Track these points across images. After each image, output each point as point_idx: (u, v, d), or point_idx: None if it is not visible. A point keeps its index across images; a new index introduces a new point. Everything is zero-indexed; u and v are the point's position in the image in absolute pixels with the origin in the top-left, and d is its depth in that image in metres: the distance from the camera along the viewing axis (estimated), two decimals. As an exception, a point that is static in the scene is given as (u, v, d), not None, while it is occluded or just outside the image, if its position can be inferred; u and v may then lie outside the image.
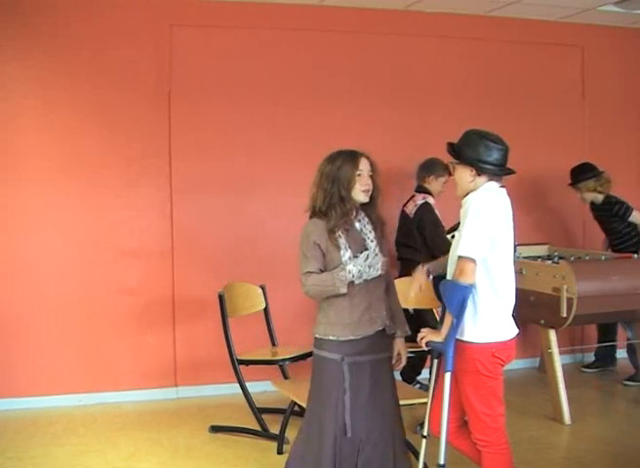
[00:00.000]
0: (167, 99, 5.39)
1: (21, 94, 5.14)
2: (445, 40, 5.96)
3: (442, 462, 3.03)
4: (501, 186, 3.11)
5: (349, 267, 3.12)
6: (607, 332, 5.86)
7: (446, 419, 3.01)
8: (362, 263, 3.14)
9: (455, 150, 3.12)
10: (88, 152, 5.24)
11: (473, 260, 2.93)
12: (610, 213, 5.64)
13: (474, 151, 3.04)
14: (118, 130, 5.29)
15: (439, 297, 3.33)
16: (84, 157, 5.24)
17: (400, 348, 3.35)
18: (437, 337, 3.01)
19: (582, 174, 5.64)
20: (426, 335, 3.05)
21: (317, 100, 5.69)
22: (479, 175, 3.06)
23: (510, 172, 3.11)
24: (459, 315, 2.94)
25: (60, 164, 5.20)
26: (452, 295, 2.95)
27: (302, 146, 5.60)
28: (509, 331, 3.08)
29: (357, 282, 3.15)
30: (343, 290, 3.12)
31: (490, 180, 3.07)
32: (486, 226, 2.97)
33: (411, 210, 5.22)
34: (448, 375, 2.99)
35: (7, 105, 5.11)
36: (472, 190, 3.08)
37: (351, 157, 3.18)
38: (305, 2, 5.55)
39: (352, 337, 3.16)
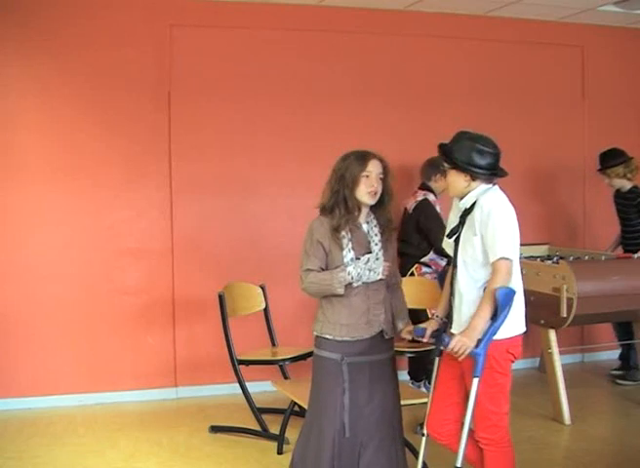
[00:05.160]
0: (167, 99, 5.39)
1: (22, 93, 5.14)
2: (445, 40, 5.95)
3: (459, 465, 3.02)
4: (493, 184, 3.13)
5: (349, 269, 3.12)
6: (625, 333, 5.67)
7: (468, 422, 3.00)
8: (362, 266, 3.14)
9: (447, 155, 3.13)
10: (88, 152, 5.24)
11: (512, 260, 2.97)
12: (633, 202, 5.51)
13: (467, 157, 3.05)
14: (118, 130, 5.29)
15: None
16: (84, 157, 5.24)
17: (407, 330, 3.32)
18: (472, 343, 2.93)
19: (612, 159, 5.49)
20: (467, 342, 2.91)
21: (317, 100, 5.69)
22: (473, 179, 3.08)
23: (503, 174, 3.12)
24: (504, 320, 2.95)
25: (60, 164, 5.20)
26: (508, 301, 2.94)
27: (302, 146, 5.60)
28: (520, 326, 3.10)
29: (356, 284, 3.15)
30: (340, 290, 3.12)
31: (482, 183, 3.09)
32: (514, 227, 3.02)
33: (410, 206, 5.27)
34: (476, 381, 2.96)
35: (7, 105, 5.11)
36: (467, 193, 3.09)
37: (361, 157, 3.17)
38: (305, 2, 5.55)
39: (348, 338, 3.17)
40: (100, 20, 5.23)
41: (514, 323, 3.06)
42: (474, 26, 5.97)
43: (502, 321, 2.95)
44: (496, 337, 2.97)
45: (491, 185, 3.10)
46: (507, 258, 2.96)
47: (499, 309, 2.93)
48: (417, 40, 5.89)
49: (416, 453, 3.68)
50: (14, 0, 5.07)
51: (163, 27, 5.36)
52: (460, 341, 2.92)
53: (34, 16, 5.10)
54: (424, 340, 3.23)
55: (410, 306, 4.56)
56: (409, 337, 3.35)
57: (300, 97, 5.66)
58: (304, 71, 5.67)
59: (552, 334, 4.79)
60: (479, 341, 2.93)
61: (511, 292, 2.97)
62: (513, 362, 3.07)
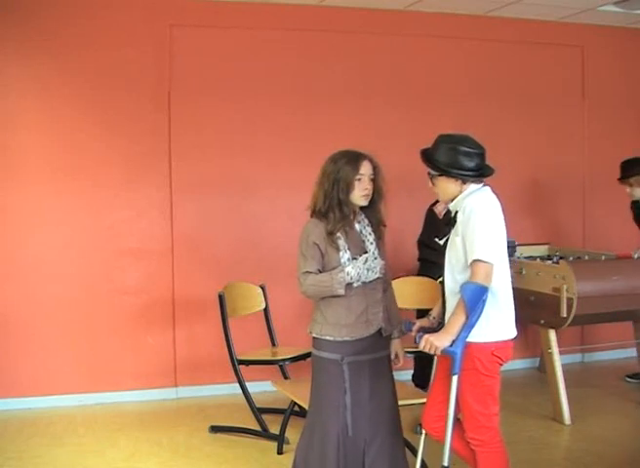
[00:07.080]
0: (167, 99, 5.39)
1: (22, 93, 5.14)
2: (445, 40, 5.96)
3: (446, 464, 3.03)
4: (484, 185, 3.11)
5: (348, 269, 3.11)
6: None
7: (452, 421, 3.00)
8: (361, 266, 3.14)
9: (431, 162, 3.09)
10: (88, 152, 5.24)
11: (492, 264, 2.93)
12: None
13: (455, 162, 3.03)
14: (118, 130, 5.29)
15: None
16: (84, 157, 5.24)
17: (397, 349, 3.36)
18: (446, 342, 2.93)
19: (636, 167, 5.35)
20: (434, 343, 2.93)
21: (317, 100, 5.69)
22: (464, 183, 3.06)
23: (490, 172, 3.09)
24: (478, 318, 2.92)
25: (60, 164, 5.20)
26: (477, 299, 2.90)
27: (302, 146, 5.60)
28: (509, 331, 3.07)
29: (355, 284, 3.15)
30: (341, 291, 3.12)
31: (472, 183, 3.08)
32: (495, 229, 2.99)
33: (441, 211, 5.02)
34: (455, 379, 2.97)
35: (7, 105, 5.11)
36: (457, 195, 3.08)
37: (354, 160, 3.15)
38: (305, 2, 5.55)
39: (348, 338, 3.16)
40: (100, 20, 5.23)
41: (501, 327, 3.04)
42: (474, 26, 5.98)
43: (476, 319, 2.91)
44: (481, 340, 2.97)
45: (480, 186, 3.09)
46: (485, 261, 2.91)
47: (467, 306, 2.90)
48: (417, 40, 5.90)
49: (415, 452, 3.69)
50: (14, 0, 5.07)
51: (163, 27, 5.36)
52: (428, 341, 2.94)
53: (34, 16, 5.10)
54: (412, 334, 3.22)
55: (410, 306, 4.60)
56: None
57: (300, 97, 5.66)
58: (304, 71, 5.68)
59: (552, 334, 4.78)
60: (454, 340, 2.93)
61: (478, 289, 2.90)
62: (501, 365, 3.06)
